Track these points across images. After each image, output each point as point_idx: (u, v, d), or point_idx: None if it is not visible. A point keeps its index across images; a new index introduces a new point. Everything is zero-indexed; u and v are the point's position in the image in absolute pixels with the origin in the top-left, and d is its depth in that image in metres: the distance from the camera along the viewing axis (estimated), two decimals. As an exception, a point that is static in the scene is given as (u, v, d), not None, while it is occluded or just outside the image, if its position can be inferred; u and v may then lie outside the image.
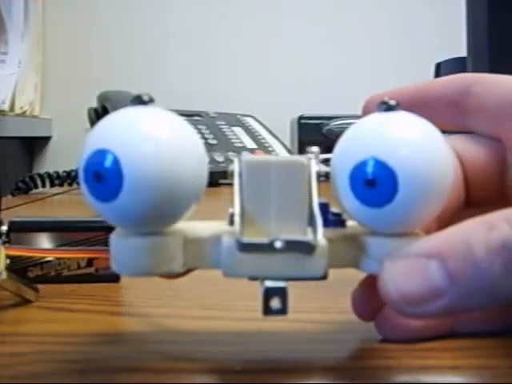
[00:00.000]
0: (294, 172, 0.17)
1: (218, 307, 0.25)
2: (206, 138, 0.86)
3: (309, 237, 0.17)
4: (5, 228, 0.28)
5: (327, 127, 0.92)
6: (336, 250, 0.18)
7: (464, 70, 0.78)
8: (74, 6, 1.21)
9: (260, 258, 0.17)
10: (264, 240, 0.17)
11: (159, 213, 0.17)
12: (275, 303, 0.17)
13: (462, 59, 0.81)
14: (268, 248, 0.17)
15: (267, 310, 0.17)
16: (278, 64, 1.16)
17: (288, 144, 0.95)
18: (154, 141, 0.16)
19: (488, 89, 0.21)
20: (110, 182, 0.16)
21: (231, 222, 0.18)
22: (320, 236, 0.17)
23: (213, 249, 0.18)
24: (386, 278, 0.17)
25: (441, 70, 0.91)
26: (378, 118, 0.18)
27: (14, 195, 0.73)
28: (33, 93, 1.17)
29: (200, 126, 0.87)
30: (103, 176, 0.16)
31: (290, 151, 0.90)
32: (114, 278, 0.29)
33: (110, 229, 0.18)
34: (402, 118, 0.17)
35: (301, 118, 0.96)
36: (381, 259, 0.17)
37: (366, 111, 0.22)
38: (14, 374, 0.18)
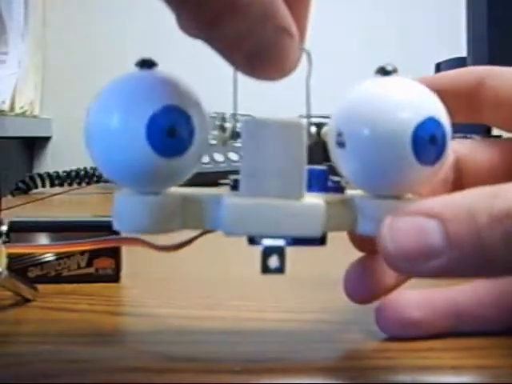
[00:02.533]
0: (292, 133, 0.18)
1: (218, 307, 0.25)
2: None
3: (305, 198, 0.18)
4: (5, 228, 0.28)
5: (327, 127, 0.92)
6: (333, 212, 0.18)
7: (464, 70, 0.78)
8: (74, 6, 1.21)
9: (258, 211, 0.18)
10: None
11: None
12: (273, 262, 0.18)
13: (461, 59, 0.81)
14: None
15: (265, 269, 0.18)
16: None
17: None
18: None
19: (506, 82, 0.21)
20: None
21: (232, 188, 0.18)
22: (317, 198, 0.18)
23: (212, 209, 0.18)
24: (385, 233, 0.17)
25: (441, 70, 0.91)
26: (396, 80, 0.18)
27: (14, 195, 0.73)
28: (33, 93, 1.18)
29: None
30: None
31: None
32: (114, 278, 0.29)
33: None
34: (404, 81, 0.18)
35: (300, 118, 0.96)
36: (378, 220, 0.17)
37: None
38: (15, 374, 0.18)
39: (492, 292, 0.21)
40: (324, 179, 0.19)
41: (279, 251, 0.18)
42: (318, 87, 0.20)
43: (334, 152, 0.18)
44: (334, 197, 0.19)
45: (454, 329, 0.21)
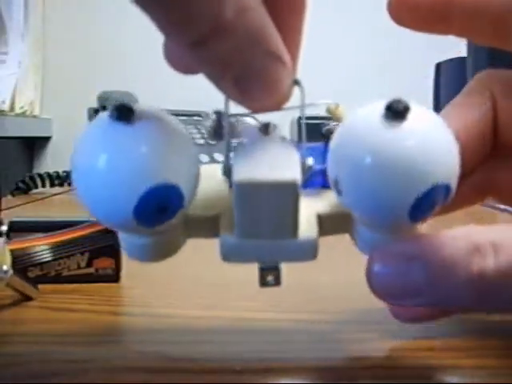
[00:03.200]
0: (286, 192, 0.17)
1: (218, 307, 0.25)
2: (205, 138, 0.86)
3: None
4: (5, 228, 0.28)
5: (327, 127, 0.92)
6: (329, 223, 0.19)
7: (464, 70, 0.78)
8: (74, 6, 1.21)
9: (254, 248, 0.18)
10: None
11: None
12: (270, 278, 0.19)
13: (461, 59, 0.81)
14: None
15: (263, 284, 0.19)
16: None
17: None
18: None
19: None
20: None
21: (225, 173, 0.18)
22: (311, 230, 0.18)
23: (213, 225, 0.19)
24: (371, 272, 0.17)
25: (441, 70, 0.91)
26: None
27: (14, 195, 0.73)
28: (33, 93, 1.18)
29: (200, 126, 0.87)
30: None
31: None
32: (114, 278, 0.29)
33: (109, 228, 0.18)
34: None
35: (300, 118, 0.96)
36: (371, 246, 0.18)
37: (395, 4, 0.21)
38: (15, 373, 0.18)
39: None
40: (324, 176, 0.19)
41: (275, 270, 0.19)
42: (318, 87, 0.20)
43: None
44: (332, 208, 0.19)
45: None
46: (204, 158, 0.80)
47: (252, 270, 0.19)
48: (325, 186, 0.19)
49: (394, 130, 0.15)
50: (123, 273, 0.29)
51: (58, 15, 1.22)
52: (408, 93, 0.19)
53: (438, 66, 0.92)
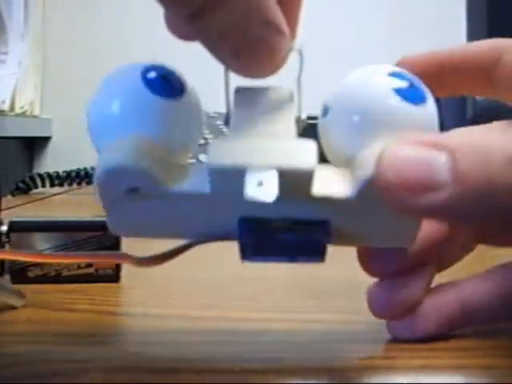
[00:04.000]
0: (281, 96, 0.18)
1: (217, 307, 0.25)
2: (205, 138, 0.86)
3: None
4: (5, 228, 0.28)
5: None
6: (324, 174, 0.17)
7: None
8: (74, 6, 1.21)
9: (247, 150, 0.16)
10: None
11: None
12: (262, 185, 0.15)
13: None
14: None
15: (252, 193, 0.15)
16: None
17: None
18: None
19: None
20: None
21: (225, 122, 0.19)
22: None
23: (198, 170, 0.17)
24: (388, 159, 0.16)
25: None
26: None
27: (14, 195, 0.73)
28: (33, 93, 1.17)
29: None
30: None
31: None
32: (114, 278, 0.29)
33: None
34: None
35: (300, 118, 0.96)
36: (374, 159, 0.16)
37: None
38: (14, 374, 0.18)
39: (500, 287, 0.21)
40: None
41: (269, 174, 0.15)
42: (318, 87, 0.20)
43: (321, 126, 0.19)
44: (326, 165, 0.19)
45: (462, 327, 0.21)
46: (204, 158, 0.80)
47: (252, 270, 0.19)
48: None
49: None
50: (123, 273, 0.29)
51: (57, 15, 1.22)
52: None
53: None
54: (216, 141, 0.16)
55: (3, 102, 1.07)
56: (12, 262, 0.27)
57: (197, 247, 0.19)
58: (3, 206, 0.28)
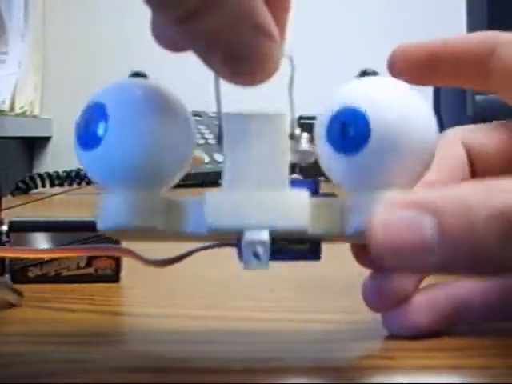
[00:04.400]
0: (274, 124, 0.18)
1: (218, 307, 0.25)
2: (205, 138, 0.86)
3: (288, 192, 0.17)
4: (5, 228, 0.28)
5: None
6: (320, 212, 0.18)
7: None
8: (74, 6, 1.21)
9: (242, 208, 0.17)
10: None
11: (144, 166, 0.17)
12: (257, 251, 0.17)
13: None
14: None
15: (247, 261, 0.17)
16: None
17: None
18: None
19: None
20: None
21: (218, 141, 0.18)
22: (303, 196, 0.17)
23: (195, 209, 0.18)
24: (376, 226, 0.16)
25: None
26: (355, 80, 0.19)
27: (14, 195, 0.73)
28: (33, 93, 1.18)
29: (200, 126, 0.87)
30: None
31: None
32: (114, 278, 0.29)
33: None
34: (379, 79, 0.19)
35: (301, 118, 0.96)
36: (368, 212, 0.17)
37: (394, 62, 0.23)
38: (14, 373, 0.18)
39: (496, 287, 0.21)
40: (314, 191, 0.18)
41: (261, 244, 0.17)
42: (319, 87, 0.20)
43: (321, 150, 0.18)
44: (320, 198, 0.18)
45: (455, 325, 0.21)
46: (205, 158, 0.80)
47: (252, 270, 0.19)
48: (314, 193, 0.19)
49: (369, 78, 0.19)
50: (123, 273, 0.29)
51: (57, 15, 1.22)
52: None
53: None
54: (212, 195, 0.17)
55: (3, 102, 1.07)
56: (12, 261, 0.27)
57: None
58: (3, 206, 0.28)
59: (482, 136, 0.23)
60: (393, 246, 0.16)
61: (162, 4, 0.16)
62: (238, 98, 0.20)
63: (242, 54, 0.16)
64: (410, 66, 0.22)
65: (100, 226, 0.18)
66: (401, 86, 0.19)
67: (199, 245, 0.20)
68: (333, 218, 0.18)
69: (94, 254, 0.27)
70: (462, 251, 0.15)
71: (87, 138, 0.18)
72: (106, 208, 0.18)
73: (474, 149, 0.22)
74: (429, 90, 0.95)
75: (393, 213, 0.16)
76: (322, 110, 0.18)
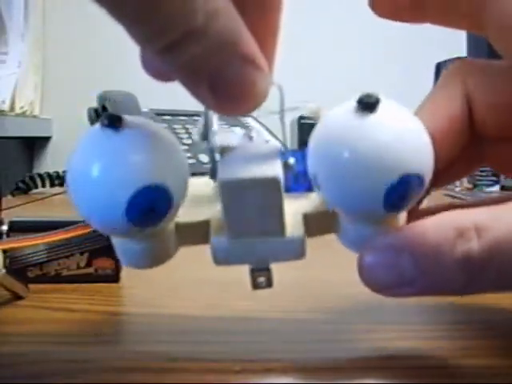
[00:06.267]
0: (269, 188, 0.17)
1: (217, 307, 0.25)
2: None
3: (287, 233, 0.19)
4: (5, 228, 0.28)
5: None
6: (316, 221, 0.19)
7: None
8: (74, 6, 1.21)
9: (245, 248, 0.18)
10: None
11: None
12: (261, 280, 0.19)
13: (461, 59, 0.81)
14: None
15: (255, 286, 0.19)
16: (277, 64, 1.15)
17: (288, 144, 0.95)
18: None
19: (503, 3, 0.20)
20: None
21: (211, 175, 0.20)
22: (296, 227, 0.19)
23: (203, 231, 0.19)
24: (363, 267, 0.18)
25: (441, 69, 0.91)
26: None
27: (14, 195, 0.73)
28: (33, 93, 1.18)
29: (200, 127, 0.87)
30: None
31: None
32: (114, 278, 0.29)
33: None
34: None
35: (301, 118, 0.97)
36: (356, 243, 0.18)
37: (376, 6, 0.21)
38: (15, 373, 0.18)
39: None
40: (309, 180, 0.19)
41: (266, 272, 0.19)
42: (319, 87, 0.19)
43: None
44: (316, 208, 0.19)
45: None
46: (204, 158, 0.80)
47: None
48: (310, 189, 0.19)
49: (364, 122, 0.16)
50: (123, 273, 0.29)
51: (57, 15, 1.22)
52: (408, 93, 0.19)
53: (438, 66, 0.92)
54: (216, 243, 0.18)
55: (3, 102, 1.07)
56: (12, 261, 0.27)
57: (197, 247, 0.19)
58: (3, 206, 0.28)
59: (489, 80, 0.21)
60: (379, 285, 0.18)
61: (146, 36, 0.16)
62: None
63: (226, 83, 0.16)
64: (395, 1, 0.21)
65: (124, 264, 0.19)
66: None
67: None
68: (327, 227, 0.19)
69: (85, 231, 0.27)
70: (438, 283, 0.17)
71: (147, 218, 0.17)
72: (124, 253, 0.19)
73: (475, 100, 0.21)
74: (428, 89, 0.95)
75: (373, 257, 0.18)
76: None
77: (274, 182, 0.17)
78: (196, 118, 0.88)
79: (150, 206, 0.16)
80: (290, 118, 0.99)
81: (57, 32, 1.22)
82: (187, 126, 0.85)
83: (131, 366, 0.19)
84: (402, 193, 0.16)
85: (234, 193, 0.17)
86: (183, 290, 0.28)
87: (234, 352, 0.20)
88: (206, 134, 0.20)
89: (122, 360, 0.19)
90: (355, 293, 0.25)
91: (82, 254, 0.28)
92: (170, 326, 0.23)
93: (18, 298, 0.26)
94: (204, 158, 0.79)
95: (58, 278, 0.28)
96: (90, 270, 0.28)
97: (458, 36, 0.76)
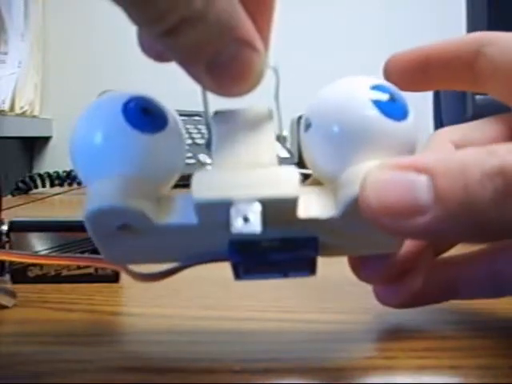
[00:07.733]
0: (260, 118, 0.18)
1: (217, 307, 0.25)
2: (206, 138, 0.85)
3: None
4: (5, 228, 0.28)
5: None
6: (310, 197, 0.17)
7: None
8: (74, 6, 1.21)
9: (230, 182, 0.16)
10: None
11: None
12: (242, 222, 0.16)
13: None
14: None
15: (235, 229, 0.16)
16: (277, 64, 1.15)
17: (288, 144, 0.95)
18: None
19: (502, 50, 0.21)
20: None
21: (206, 146, 0.20)
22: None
23: (184, 201, 0.18)
24: (369, 185, 0.16)
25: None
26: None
27: (14, 195, 0.73)
28: (33, 93, 1.18)
29: (200, 126, 0.87)
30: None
31: (289, 151, 0.90)
32: (114, 278, 0.29)
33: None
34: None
35: (301, 118, 0.96)
36: (359, 179, 0.16)
37: (388, 71, 0.23)
38: (15, 373, 0.18)
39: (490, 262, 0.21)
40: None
41: (253, 208, 0.16)
42: (318, 87, 0.20)
43: (303, 140, 0.19)
44: (311, 185, 0.19)
45: (453, 298, 0.22)
46: (204, 158, 0.80)
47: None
48: None
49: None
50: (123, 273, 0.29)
51: (58, 15, 1.22)
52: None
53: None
54: (199, 174, 0.16)
55: (3, 102, 1.07)
56: (10, 262, 0.27)
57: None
58: (3, 206, 0.28)
59: (471, 133, 0.22)
60: (387, 208, 0.15)
61: (145, 19, 0.16)
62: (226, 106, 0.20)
63: (224, 65, 0.17)
64: (402, 74, 0.23)
65: (88, 207, 0.17)
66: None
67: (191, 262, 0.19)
68: (325, 201, 0.17)
69: (92, 265, 0.27)
70: (456, 212, 0.15)
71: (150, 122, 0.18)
72: (93, 192, 0.18)
73: (463, 146, 0.22)
74: (428, 94, 0.95)
75: (385, 174, 0.16)
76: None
77: (265, 111, 0.19)
78: (196, 118, 0.88)
79: (145, 106, 0.18)
80: (290, 117, 0.99)
81: (57, 32, 1.22)
82: (187, 126, 0.85)
83: (131, 365, 0.19)
84: (386, 92, 0.18)
85: (225, 121, 0.19)
86: (183, 289, 0.28)
87: (233, 352, 0.20)
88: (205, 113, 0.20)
89: (121, 360, 0.19)
90: (356, 293, 0.25)
91: (82, 253, 0.28)
92: (169, 326, 0.23)
93: (3, 307, 0.25)
94: (204, 157, 0.79)
95: (58, 278, 0.28)
96: (90, 270, 0.28)
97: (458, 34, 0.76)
